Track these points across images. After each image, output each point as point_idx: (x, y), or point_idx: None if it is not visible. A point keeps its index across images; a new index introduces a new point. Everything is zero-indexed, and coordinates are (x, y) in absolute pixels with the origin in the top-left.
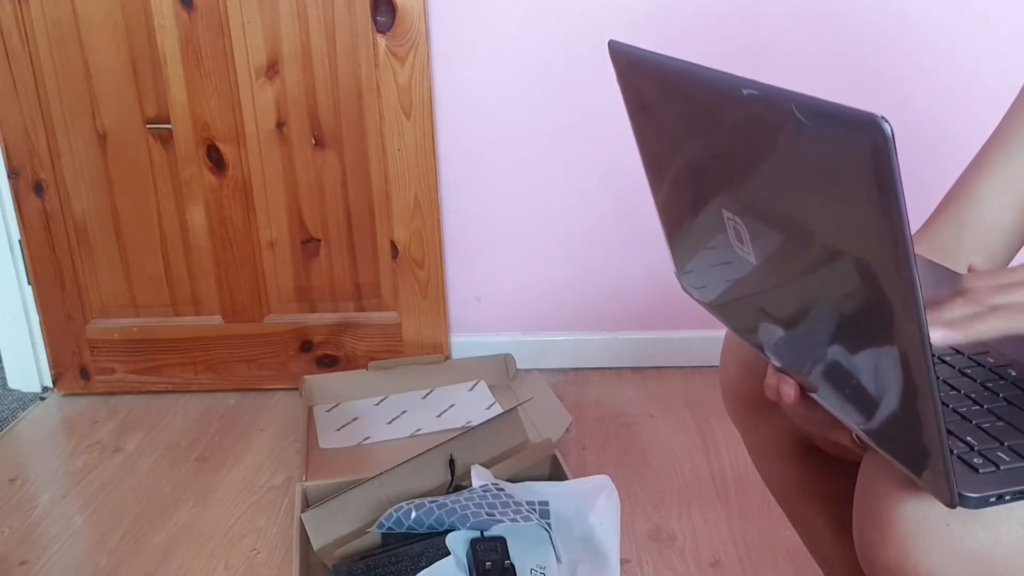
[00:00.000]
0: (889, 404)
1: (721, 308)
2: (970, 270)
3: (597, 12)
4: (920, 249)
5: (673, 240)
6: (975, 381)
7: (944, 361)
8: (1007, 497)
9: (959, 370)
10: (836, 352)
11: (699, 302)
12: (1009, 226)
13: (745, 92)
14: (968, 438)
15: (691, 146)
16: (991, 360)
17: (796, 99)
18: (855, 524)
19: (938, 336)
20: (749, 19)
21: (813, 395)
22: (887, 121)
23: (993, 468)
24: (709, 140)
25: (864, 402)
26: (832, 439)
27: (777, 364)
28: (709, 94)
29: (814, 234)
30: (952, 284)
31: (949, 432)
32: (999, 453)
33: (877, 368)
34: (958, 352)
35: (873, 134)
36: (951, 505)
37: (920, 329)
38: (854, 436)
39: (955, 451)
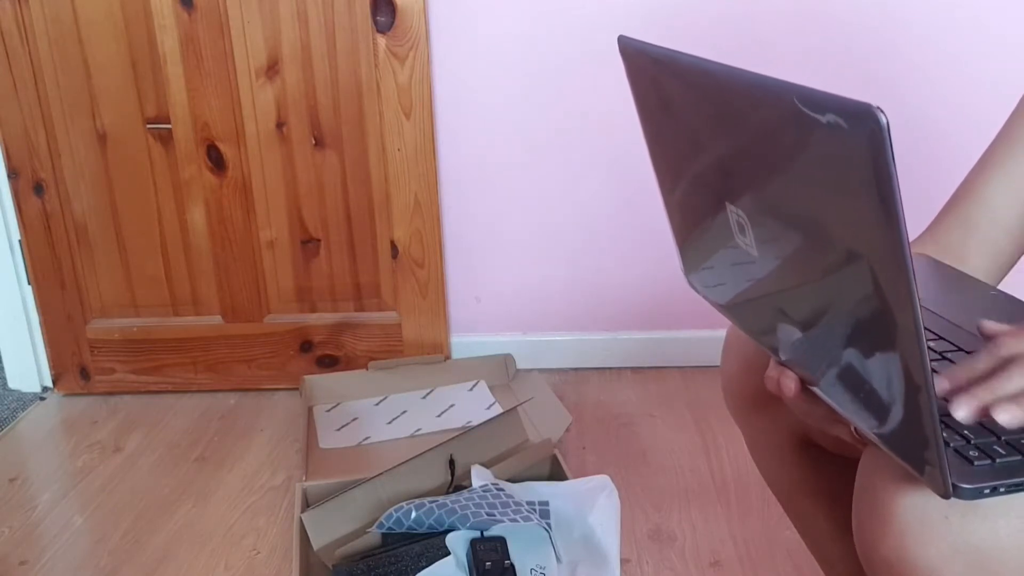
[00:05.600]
0: (886, 396)
1: (727, 306)
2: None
3: (597, 13)
4: (927, 249)
5: (680, 238)
6: None
7: (944, 357)
8: (1001, 489)
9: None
10: (835, 345)
11: (706, 299)
12: (1015, 225)
13: (749, 84)
14: (964, 431)
15: (697, 140)
16: None
17: (797, 90)
18: (854, 518)
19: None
20: (744, 23)
21: (814, 388)
22: (882, 111)
23: (989, 461)
24: (714, 133)
25: (862, 395)
26: (832, 433)
27: (780, 358)
28: (714, 86)
29: (813, 224)
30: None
31: (946, 425)
32: (995, 447)
33: (874, 360)
34: (959, 348)
35: (869, 123)
36: (945, 496)
37: (915, 318)
38: (853, 430)
39: (951, 444)
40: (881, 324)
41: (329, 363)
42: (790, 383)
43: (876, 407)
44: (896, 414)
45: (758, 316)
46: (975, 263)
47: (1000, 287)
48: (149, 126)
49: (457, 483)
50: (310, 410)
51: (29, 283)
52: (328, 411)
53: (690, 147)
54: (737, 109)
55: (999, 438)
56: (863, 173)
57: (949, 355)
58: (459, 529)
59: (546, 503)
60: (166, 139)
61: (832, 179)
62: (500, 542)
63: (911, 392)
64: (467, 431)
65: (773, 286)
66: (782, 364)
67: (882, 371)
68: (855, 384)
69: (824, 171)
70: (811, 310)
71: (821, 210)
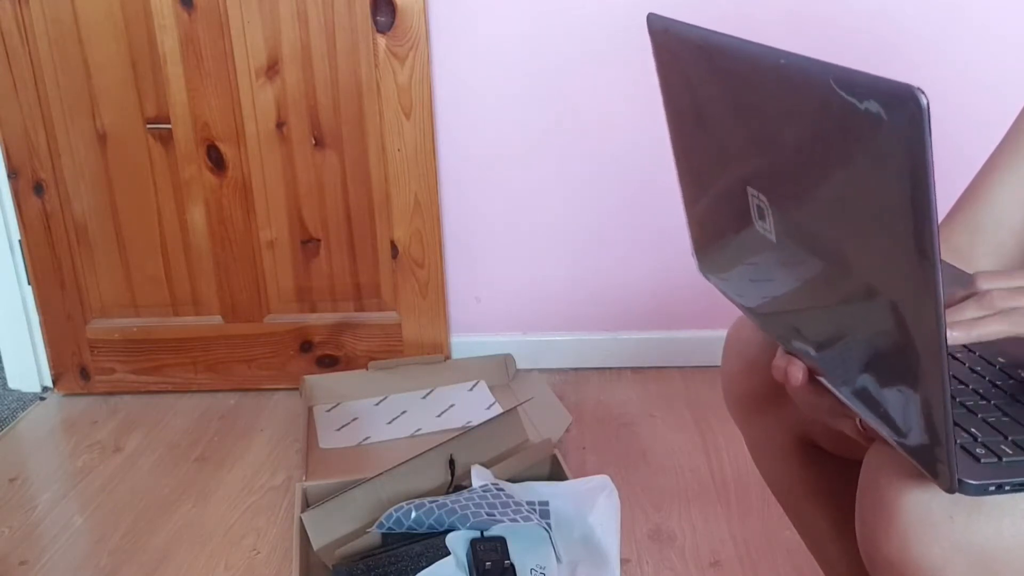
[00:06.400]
0: (897, 388)
1: (738, 294)
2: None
3: (597, 13)
4: None
5: (696, 222)
6: (984, 378)
7: (955, 358)
8: (1006, 488)
9: (969, 367)
10: (847, 337)
11: (718, 288)
12: (1021, 227)
13: (783, 62)
14: (972, 429)
15: (724, 120)
16: (1002, 360)
17: (833, 70)
18: (858, 515)
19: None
20: (744, 23)
21: (821, 379)
22: (923, 93)
23: (995, 459)
24: (742, 113)
25: (871, 386)
26: (836, 427)
27: (788, 347)
28: (746, 65)
29: (839, 208)
30: (964, 285)
31: (955, 423)
32: (1002, 446)
33: (888, 352)
34: (970, 350)
35: (910, 105)
36: (950, 490)
37: (937, 311)
38: (858, 422)
39: (959, 441)
40: (900, 313)
41: (329, 363)
42: (797, 372)
43: (883, 398)
44: (904, 406)
45: (770, 304)
46: (982, 265)
47: None
48: (149, 126)
49: (457, 483)
50: (310, 410)
51: (29, 283)
52: (328, 411)
53: (714, 128)
54: (768, 88)
55: (1006, 437)
56: (898, 154)
57: (958, 356)
58: (459, 529)
59: (546, 503)
60: (166, 139)
61: (864, 160)
62: (500, 542)
63: (924, 384)
64: (467, 431)
65: (789, 273)
66: (790, 353)
67: (894, 363)
68: (864, 375)
69: (856, 152)
70: (827, 303)
71: (848, 190)
